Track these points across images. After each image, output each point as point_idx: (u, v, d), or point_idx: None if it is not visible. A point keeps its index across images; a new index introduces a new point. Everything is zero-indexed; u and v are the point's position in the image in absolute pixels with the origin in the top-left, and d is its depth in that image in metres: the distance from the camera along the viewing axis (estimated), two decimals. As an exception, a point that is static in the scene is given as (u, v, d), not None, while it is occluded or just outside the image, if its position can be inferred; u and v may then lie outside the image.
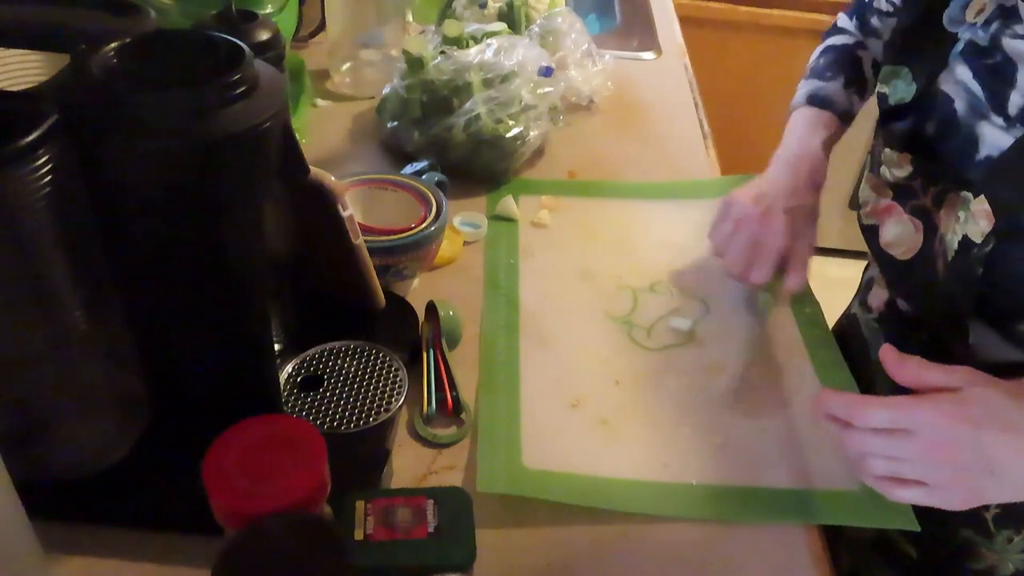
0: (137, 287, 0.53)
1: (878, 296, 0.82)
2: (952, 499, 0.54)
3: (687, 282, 0.85)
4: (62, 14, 0.50)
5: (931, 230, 0.68)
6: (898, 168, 0.70)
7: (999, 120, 0.61)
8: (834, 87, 0.85)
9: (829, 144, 0.85)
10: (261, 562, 0.42)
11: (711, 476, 0.65)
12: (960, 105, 0.65)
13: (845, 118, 0.86)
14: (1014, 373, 0.56)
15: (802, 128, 0.85)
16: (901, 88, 0.70)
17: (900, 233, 0.71)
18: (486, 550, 0.54)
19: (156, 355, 0.56)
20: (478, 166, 0.94)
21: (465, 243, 0.87)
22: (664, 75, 1.26)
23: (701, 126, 1.13)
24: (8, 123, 0.43)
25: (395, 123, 0.98)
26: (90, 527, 0.57)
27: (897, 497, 0.56)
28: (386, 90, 1.02)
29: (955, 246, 0.63)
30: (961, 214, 0.62)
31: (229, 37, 0.51)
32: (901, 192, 0.70)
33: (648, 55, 1.33)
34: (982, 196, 0.60)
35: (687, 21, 1.54)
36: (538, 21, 1.13)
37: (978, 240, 0.60)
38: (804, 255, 0.80)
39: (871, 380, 0.78)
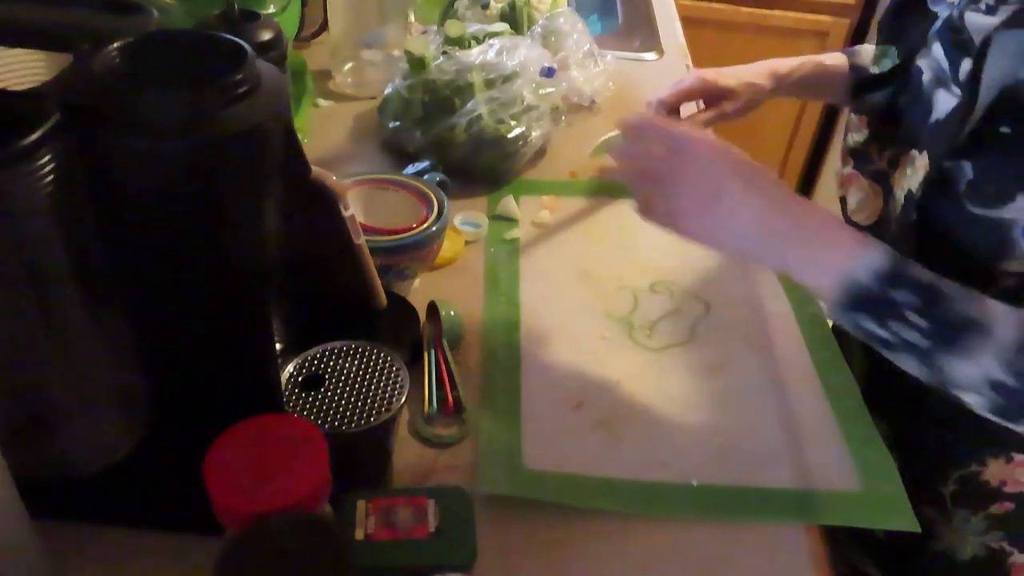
0: (139, 286, 0.53)
1: None
2: (681, 221, 0.63)
3: (688, 282, 0.85)
4: (65, 14, 0.50)
5: (888, 192, 0.73)
6: (857, 132, 0.75)
7: (955, 88, 0.65)
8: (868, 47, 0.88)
9: (819, 66, 0.90)
10: (262, 561, 0.42)
11: (712, 476, 0.65)
12: (927, 76, 0.69)
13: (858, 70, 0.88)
14: None
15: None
16: (887, 66, 0.74)
17: (862, 199, 0.76)
18: (487, 550, 0.54)
19: (158, 354, 0.56)
20: (480, 166, 0.94)
21: (466, 243, 0.87)
22: (666, 76, 1.26)
23: (703, 127, 1.13)
24: (11, 122, 0.43)
25: (397, 123, 0.98)
26: (91, 526, 0.57)
27: (646, 213, 0.65)
28: (388, 90, 1.02)
29: (902, 200, 0.69)
30: (908, 171, 0.68)
31: (231, 37, 0.51)
32: (859, 157, 0.75)
33: (650, 56, 1.33)
34: (925, 152, 0.66)
35: (689, 22, 1.54)
36: (540, 22, 1.13)
37: (916, 190, 0.66)
38: (708, 117, 0.88)
39: (849, 357, 0.79)
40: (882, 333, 0.57)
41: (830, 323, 0.80)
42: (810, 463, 0.67)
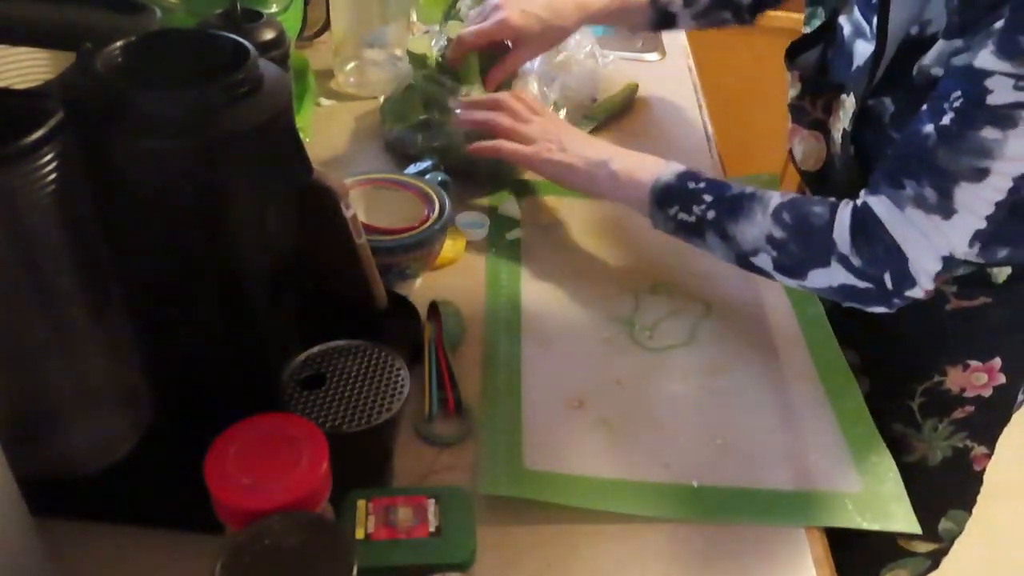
0: (141, 284, 0.53)
1: None
2: (530, 152, 0.84)
3: (689, 283, 0.85)
4: (68, 12, 0.50)
5: (827, 136, 0.83)
6: (792, 88, 0.85)
7: (870, 38, 0.75)
8: None
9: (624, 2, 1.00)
10: (262, 560, 0.42)
11: (712, 477, 0.65)
12: (848, 30, 0.80)
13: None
14: None
15: None
16: (815, 25, 0.85)
17: (806, 149, 0.86)
18: (487, 550, 0.55)
19: (159, 353, 0.56)
20: (481, 169, 0.94)
21: (467, 243, 0.87)
22: (668, 76, 1.26)
23: (705, 127, 1.13)
24: (14, 120, 0.43)
25: (398, 127, 0.98)
26: (92, 524, 0.57)
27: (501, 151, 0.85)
28: (388, 94, 1.02)
29: (839, 140, 0.80)
30: (841, 113, 0.79)
31: (234, 36, 0.51)
32: (797, 111, 0.86)
33: (652, 56, 1.32)
34: (852, 93, 0.77)
35: (691, 22, 1.53)
36: None
37: (848, 127, 0.77)
38: (512, 62, 0.95)
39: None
40: (688, 217, 0.75)
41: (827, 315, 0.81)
42: (810, 464, 0.67)
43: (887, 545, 0.91)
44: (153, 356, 0.56)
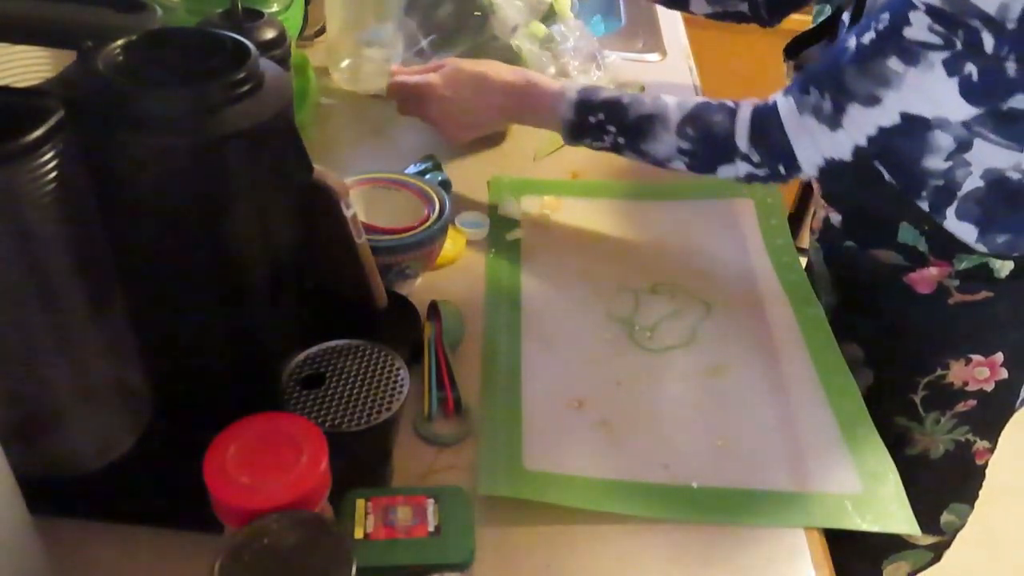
0: (141, 283, 0.53)
1: (817, 217, 0.94)
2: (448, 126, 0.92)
3: (689, 283, 0.85)
4: (69, 10, 0.50)
5: None
6: (787, 79, 0.86)
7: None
8: None
9: None
10: (261, 559, 0.42)
11: (712, 478, 0.65)
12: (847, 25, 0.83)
13: None
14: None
15: None
16: (820, 19, 0.88)
17: None
18: (486, 550, 0.55)
19: (159, 351, 0.56)
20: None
21: (467, 243, 0.87)
22: (669, 77, 1.26)
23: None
24: (14, 118, 0.43)
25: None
26: (91, 523, 0.57)
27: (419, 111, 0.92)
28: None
29: None
30: None
31: (235, 35, 0.51)
32: None
33: (653, 56, 1.33)
34: None
35: (692, 23, 1.53)
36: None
37: None
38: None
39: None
40: (604, 145, 0.83)
41: (827, 322, 0.81)
42: (810, 465, 0.66)
43: (889, 538, 0.93)
44: (153, 355, 0.56)
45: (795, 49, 0.90)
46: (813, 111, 0.72)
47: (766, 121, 0.75)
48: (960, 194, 0.74)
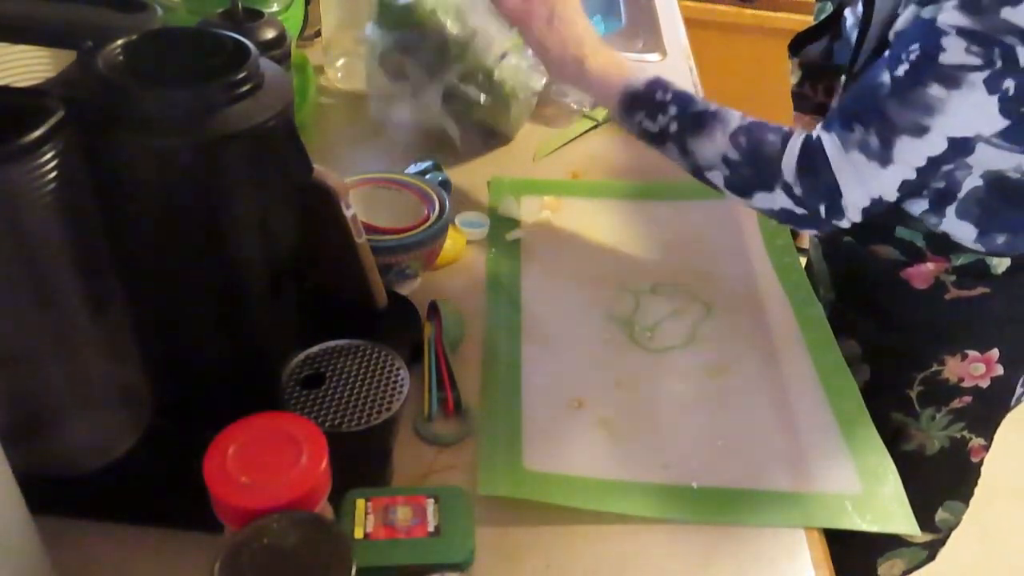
0: (140, 283, 0.53)
1: None
2: (519, 10, 0.82)
3: (689, 283, 0.85)
4: (69, 11, 0.50)
5: None
6: (793, 75, 0.87)
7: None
8: None
9: None
10: (261, 559, 0.42)
11: (712, 479, 0.65)
12: (851, 22, 0.84)
13: None
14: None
15: None
16: (823, 15, 0.89)
17: None
18: (486, 550, 0.55)
19: (159, 351, 0.56)
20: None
21: (468, 243, 0.87)
22: (669, 77, 1.26)
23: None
24: (15, 118, 0.43)
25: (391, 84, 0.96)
26: (91, 523, 0.57)
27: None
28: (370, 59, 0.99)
29: None
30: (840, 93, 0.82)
31: (235, 35, 0.51)
32: (799, 100, 0.88)
33: (653, 57, 1.32)
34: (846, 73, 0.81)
35: (692, 23, 1.54)
36: None
37: None
38: None
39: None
40: (652, 126, 0.78)
41: (824, 316, 0.81)
42: (810, 466, 0.67)
43: (884, 535, 0.94)
44: (153, 355, 0.56)
45: (798, 46, 0.89)
46: (860, 147, 0.69)
47: (815, 154, 0.72)
48: (960, 195, 0.75)
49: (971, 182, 0.74)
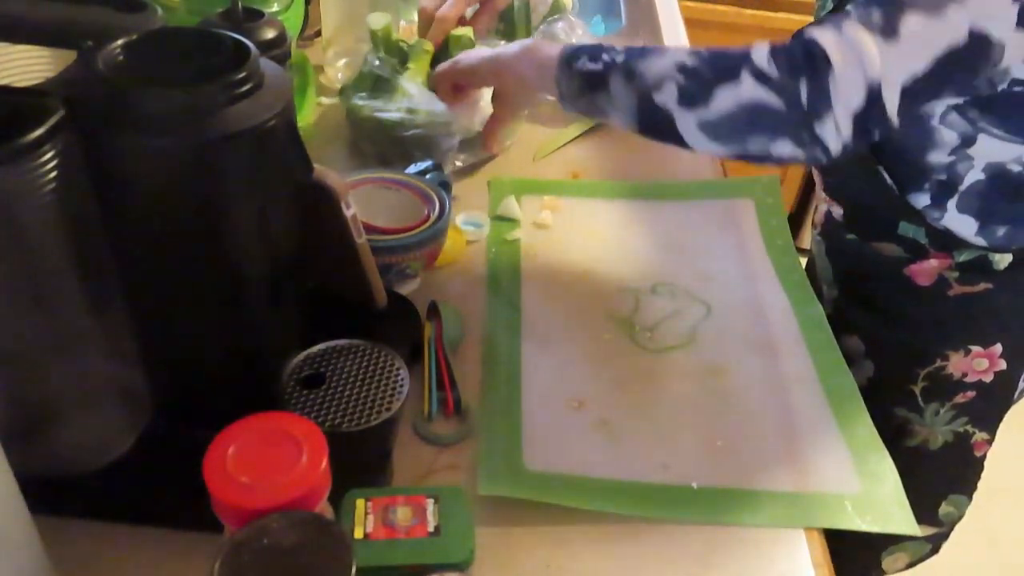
0: (140, 283, 0.53)
1: (819, 211, 0.95)
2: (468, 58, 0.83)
3: (689, 283, 0.85)
4: (70, 10, 0.50)
5: None
6: None
7: None
8: None
9: None
10: (261, 559, 0.42)
11: (712, 479, 0.65)
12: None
13: None
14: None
15: None
16: (825, 10, 0.83)
17: None
18: (486, 550, 0.55)
19: (159, 351, 0.56)
20: (408, 144, 0.93)
21: (468, 243, 0.87)
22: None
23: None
24: (14, 118, 0.43)
25: (358, 95, 0.97)
26: (90, 523, 0.57)
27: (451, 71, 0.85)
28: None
29: None
30: None
31: (235, 35, 0.51)
32: None
33: (653, 57, 1.32)
34: None
35: (693, 24, 1.54)
36: (540, 28, 1.13)
37: None
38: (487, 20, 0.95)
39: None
40: (594, 66, 0.69)
41: (826, 319, 0.81)
42: (809, 466, 0.66)
43: None
44: (153, 355, 0.56)
45: None
46: (858, 22, 0.58)
47: (795, 38, 0.62)
48: (962, 188, 0.75)
49: (973, 175, 0.74)
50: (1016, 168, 0.73)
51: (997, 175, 0.74)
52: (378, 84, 0.95)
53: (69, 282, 0.50)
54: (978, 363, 0.84)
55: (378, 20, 0.97)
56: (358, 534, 0.51)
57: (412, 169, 0.90)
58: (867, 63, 0.58)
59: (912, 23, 0.57)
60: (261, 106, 0.48)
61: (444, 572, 0.49)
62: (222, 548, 0.42)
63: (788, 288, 0.85)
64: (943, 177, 0.75)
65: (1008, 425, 0.92)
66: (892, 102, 0.59)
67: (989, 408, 0.89)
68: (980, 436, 0.90)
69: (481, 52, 0.84)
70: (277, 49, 0.63)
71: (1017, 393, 0.89)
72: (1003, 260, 0.79)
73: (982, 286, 0.80)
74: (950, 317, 0.83)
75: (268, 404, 0.51)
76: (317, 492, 0.46)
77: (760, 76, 0.61)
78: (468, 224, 0.89)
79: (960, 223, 0.77)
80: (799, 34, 0.63)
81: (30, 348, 0.51)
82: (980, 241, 0.77)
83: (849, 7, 0.60)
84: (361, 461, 0.58)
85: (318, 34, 1.22)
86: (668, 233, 0.92)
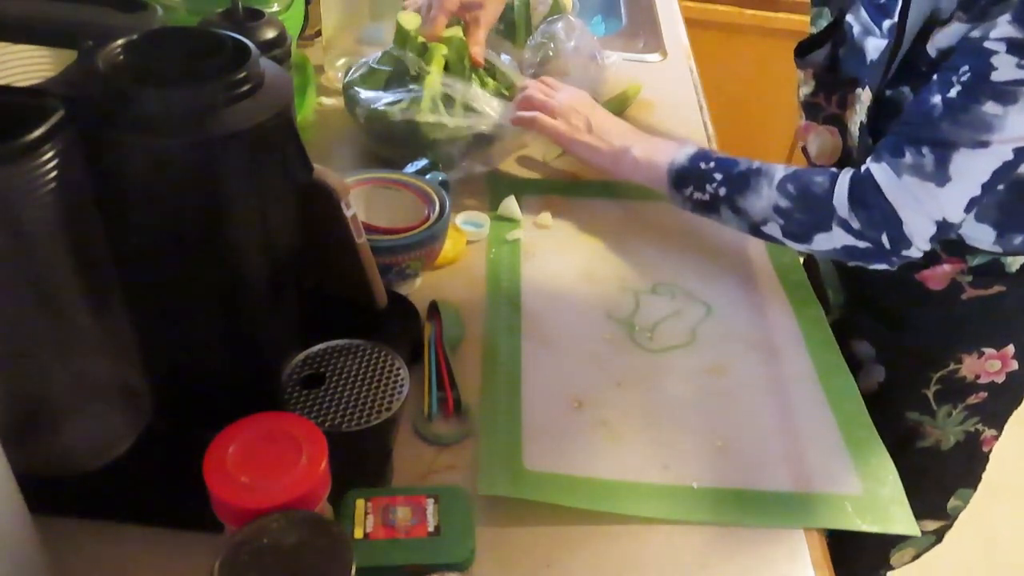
0: (140, 283, 0.53)
1: None
2: (564, 129, 0.91)
3: (689, 283, 0.85)
4: (70, 10, 0.50)
5: (844, 130, 0.85)
6: (805, 85, 0.88)
7: (879, 35, 0.79)
8: None
9: None
10: (261, 559, 0.42)
11: (711, 479, 0.65)
12: (857, 29, 0.83)
13: None
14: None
15: None
16: (821, 25, 0.88)
17: (822, 143, 0.88)
18: (486, 549, 0.55)
19: (159, 351, 0.56)
20: (397, 133, 0.93)
21: (468, 243, 0.87)
22: (669, 77, 1.26)
23: (706, 128, 1.13)
24: (15, 118, 0.43)
25: (355, 88, 0.96)
26: (90, 522, 0.57)
27: (537, 123, 0.91)
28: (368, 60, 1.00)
29: (857, 133, 0.81)
30: (858, 107, 0.81)
31: (235, 35, 0.51)
32: (811, 108, 0.88)
33: (654, 57, 1.32)
34: (867, 87, 0.79)
35: (693, 23, 1.54)
36: (540, 28, 1.13)
37: (865, 119, 0.79)
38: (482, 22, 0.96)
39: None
40: (702, 196, 0.81)
41: (829, 325, 0.81)
42: (810, 466, 0.67)
43: None
44: (153, 354, 0.56)
45: (801, 53, 0.90)
46: (913, 170, 0.69)
47: (865, 184, 0.72)
48: (982, 200, 0.75)
49: None
50: None
51: (1015, 184, 0.73)
52: (390, 82, 0.95)
53: (69, 282, 0.50)
54: (991, 364, 0.85)
55: (410, 20, 0.97)
56: (358, 534, 0.51)
57: (412, 169, 0.90)
58: (931, 209, 0.69)
59: (961, 162, 0.67)
60: (261, 106, 0.48)
61: (444, 572, 0.49)
62: (222, 548, 0.42)
63: (788, 288, 0.85)
64: None
65: (1008, 423, 0.92)
66: (958, 217, 0.70)
67: (1000, 407, 0.89)
68: (989, 433, 0.91)
69: (578, 123, 0.91)
70: (277, 49, 0.64)
71: None
72: (1015, 262, 0.79)
73: (995, 289, 0.81)
74: (963, 320, 0.83)
75: (268, 404, 0.51)
76: (317, 492, 0.46)
77: (847, 227, 0.73)
78: (468, 224, 0.89)
79: (978, 232, 0.77)
80: (864, 180, 0.72)
81: (30, 348, 0.51)
82: (996, 249, 0.77)
83: (905, 150, 0.69)
84: (361, 461, 0.58)
85: (318, 34, 1.22)
86: (668, 233, 0.92)
